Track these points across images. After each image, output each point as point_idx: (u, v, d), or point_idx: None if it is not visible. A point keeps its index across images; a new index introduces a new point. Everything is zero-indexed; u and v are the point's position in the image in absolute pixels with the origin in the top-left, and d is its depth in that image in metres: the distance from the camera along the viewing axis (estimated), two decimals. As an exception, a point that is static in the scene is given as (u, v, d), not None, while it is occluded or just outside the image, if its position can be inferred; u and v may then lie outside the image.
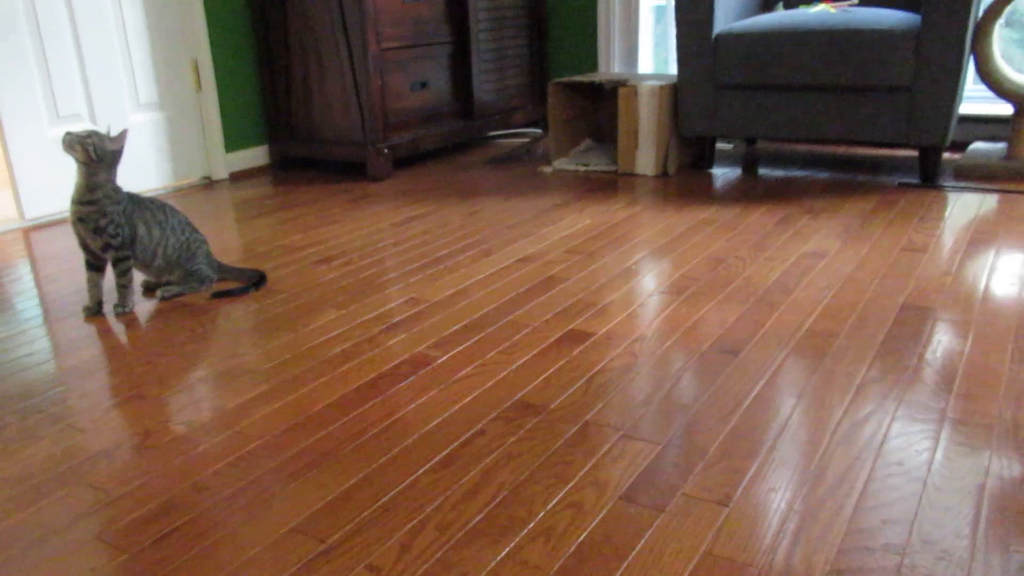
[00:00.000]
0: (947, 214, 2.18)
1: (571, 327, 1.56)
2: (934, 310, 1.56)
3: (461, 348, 1.49)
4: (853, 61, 2.39)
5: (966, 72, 2.50)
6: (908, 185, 2.51)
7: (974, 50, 2.46)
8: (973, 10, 2.31)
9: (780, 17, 2.53)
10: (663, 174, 2.81)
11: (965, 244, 1.93)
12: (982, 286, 1.67)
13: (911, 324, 1.50)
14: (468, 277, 1.87)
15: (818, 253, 1.92)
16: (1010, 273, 1.73)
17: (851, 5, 2.60)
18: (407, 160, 3.27)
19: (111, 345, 1.58)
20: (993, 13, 2.43)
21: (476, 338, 1.53)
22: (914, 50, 2.33)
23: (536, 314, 1.63)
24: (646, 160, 2.80)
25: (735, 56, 2.55)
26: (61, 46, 2.57)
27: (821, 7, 2.55)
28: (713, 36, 2.59)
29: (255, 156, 3.21)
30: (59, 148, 2.59)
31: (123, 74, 2.76)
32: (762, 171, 2.85)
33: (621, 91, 2.76)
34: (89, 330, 1.66)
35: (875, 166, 2.82)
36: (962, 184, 2.46)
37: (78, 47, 2.61)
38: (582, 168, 2.95)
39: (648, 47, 3.53)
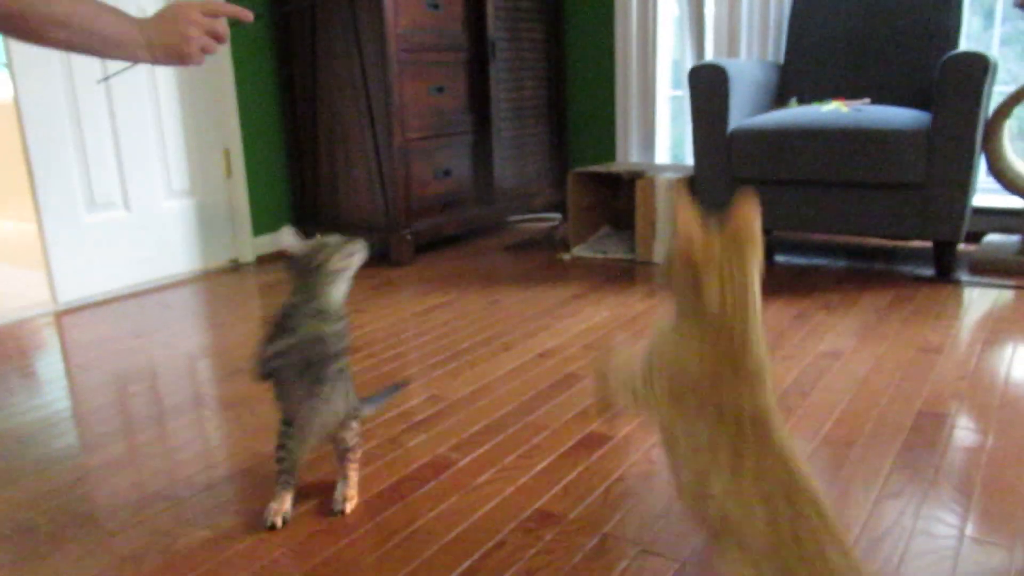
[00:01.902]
0: (962, 311, 2.20)
1: (589, 430, 1.58)
2: (950, 417, 1.57)
3: (481, 451, 1.51)
4: (865, 159, 2.44)
5: (978, 170, 2.54)
6: (924, 279, 2.53)
7: (984, 149, 2.51)
8: (982, 110, 2.36)
9: (793, 115, 2.60)
10: (680, 263, 2.85)
11: (980, 345, 1.95)
12: (998, 391, 1.68)
13: (927, 433, 1.51)
14: (488, 373, 1.91)
15: (834, 353, 1.94)
16: (1026, 378, 1.74)
17: (863, 103, 2.66)
18: (429, 245, 3.34)
19: (138, 442, 1.62)
20: (1002, 113, 2.49)
21: (496, 440, 1.55)
22: (925, 149, 2.39)
23: (555, 415, 1.66)
24: (663, 249, 2.85)
25: (750, 151, 2.62)
26: (99, 136, 2.68)
27: (834, 105, 2.63)
28: (728, 132, 2.66)
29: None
30: (94, 233, 2.68)
31: (157, 163, 2.86)
32: (779, 258, 2.90)
33: (639, 183, 2.83)
34: (116, 424, 1.70)
35: (891, 255, 2.86)
36: (977, 279, 2.48)
37: (115, 137, 2.73)
38: (600, 256, 3.01)
39: (665, 134, 3.62)
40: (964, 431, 1.51)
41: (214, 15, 1.17)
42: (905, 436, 1.50)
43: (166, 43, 1.14)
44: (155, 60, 1.15)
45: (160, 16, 1.15)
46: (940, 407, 1.62)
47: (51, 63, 2.52)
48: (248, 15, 1.23)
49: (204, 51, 1.18)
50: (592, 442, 1.53)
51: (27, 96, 2.48)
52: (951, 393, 1.68)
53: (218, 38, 1.18)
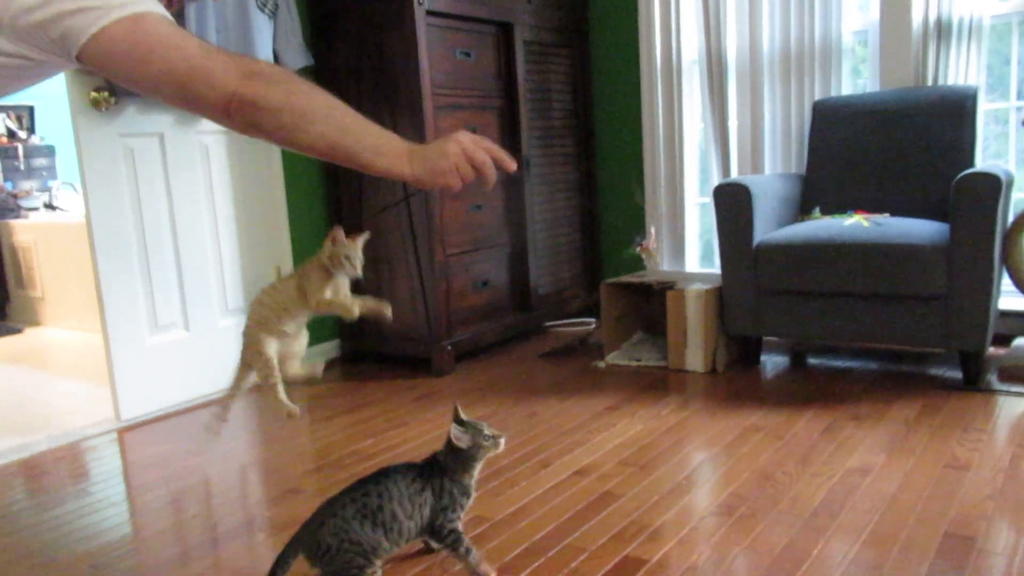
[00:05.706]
0: (990, 424, 2.25)
1: (626, 552, 1.66)
2: (975, 540, 1.62)
3: (523, 575, 1.60)
4: (887, 272, 2.54)
5: (999, 281, 2.62)
6: (952, 385, 2.59)
7: (1004, 261, 2.59)
8: (998, 224, 2.46)
9: (815, 229, 2.72)
10: (712, 371, 2.94)
11: (1007, 461, 1.99)
12: (1024, 511, 1.73)
13: (953, 557, 1.56)
14: (528, 492, 2.00)
15: (863, 469, 2.00)
16: (1052, 496, 1.79)
17: (883, 217, 2.77)
18: (469, 353, 3.46)
19: (195, 571, 1.73)
20: (1020, 225, 2.58)
21: (538, 563, 1.64)
22: (945, 262, 2.48)
23: (592, 537, 1.74)
24: (695, 357, 2.94)
25: (775, 264, 2.73)
26: (163, 264, 2.88)
27: (855, 219, 2.74)
28: (754, 246, 2.78)
29: (327, 350, 3.45)
30: (156, 354, 2.85)
31: (215, 285, 3.06)
32: (811, 360, 2.97)
33: (669, 294, 2.95)
34: (176, 551, 1.82)
35: (921, 358, 2.92)
36: (1005, 387, 2.53)
37: (178, 264, 2.93)
38: (634, 363, 3.11)
39: (695, 240, 3.75)
40: (987, 555, 1.56)
41: (484, 149, 1.20)
42: (931, 561, 1.55)
43: (425, 156, 1.16)
44: (413, 172, 1.16)
45: (430, 142, 1.20)
46: (966, 529, 1.67)
47: (120, 186, 2.74)
48: (511, 166, 1.23)
49: (461, 174, 1.18)
50: (629, 566, 1.61)
51: (98, 219, 2.68)
52: (977, 515, 1.73)
53: (478, 169, 1.20)
